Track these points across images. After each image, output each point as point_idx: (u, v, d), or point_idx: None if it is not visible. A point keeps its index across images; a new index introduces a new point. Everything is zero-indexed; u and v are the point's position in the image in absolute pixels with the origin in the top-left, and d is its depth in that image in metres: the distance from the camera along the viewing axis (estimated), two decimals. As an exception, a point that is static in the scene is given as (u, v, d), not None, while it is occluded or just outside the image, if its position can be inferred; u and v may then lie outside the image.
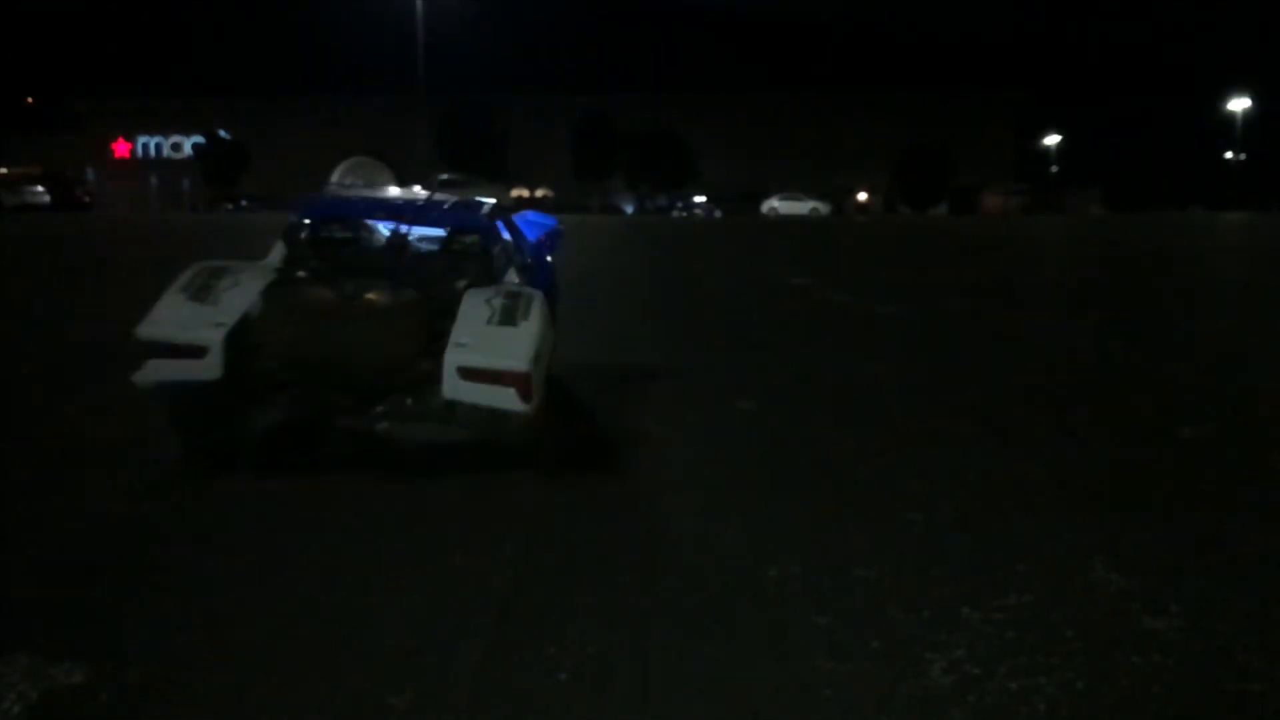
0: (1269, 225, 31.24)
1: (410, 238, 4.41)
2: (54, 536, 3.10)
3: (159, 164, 72.85)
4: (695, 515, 3.37)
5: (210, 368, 3.59)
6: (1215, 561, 2.99)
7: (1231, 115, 61.07)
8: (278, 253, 4.31)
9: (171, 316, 3.68)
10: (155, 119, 73.11)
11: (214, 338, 3.61)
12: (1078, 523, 3.31)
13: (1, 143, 61.85)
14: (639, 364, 6.39)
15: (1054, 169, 70.26)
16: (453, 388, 3.57)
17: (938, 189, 59.29)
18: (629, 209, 60.21)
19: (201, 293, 3.78)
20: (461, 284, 4.03)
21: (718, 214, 54.53)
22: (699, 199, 61.13)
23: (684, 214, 55.04)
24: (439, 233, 4.43)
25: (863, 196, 62.36)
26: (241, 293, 3.80)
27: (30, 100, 78.11)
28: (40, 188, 37.70)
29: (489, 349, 3.57)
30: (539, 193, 62.56)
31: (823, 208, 54.96)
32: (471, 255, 4.30)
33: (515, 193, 52.70)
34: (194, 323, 3.65)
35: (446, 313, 3.77)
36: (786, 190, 57.16)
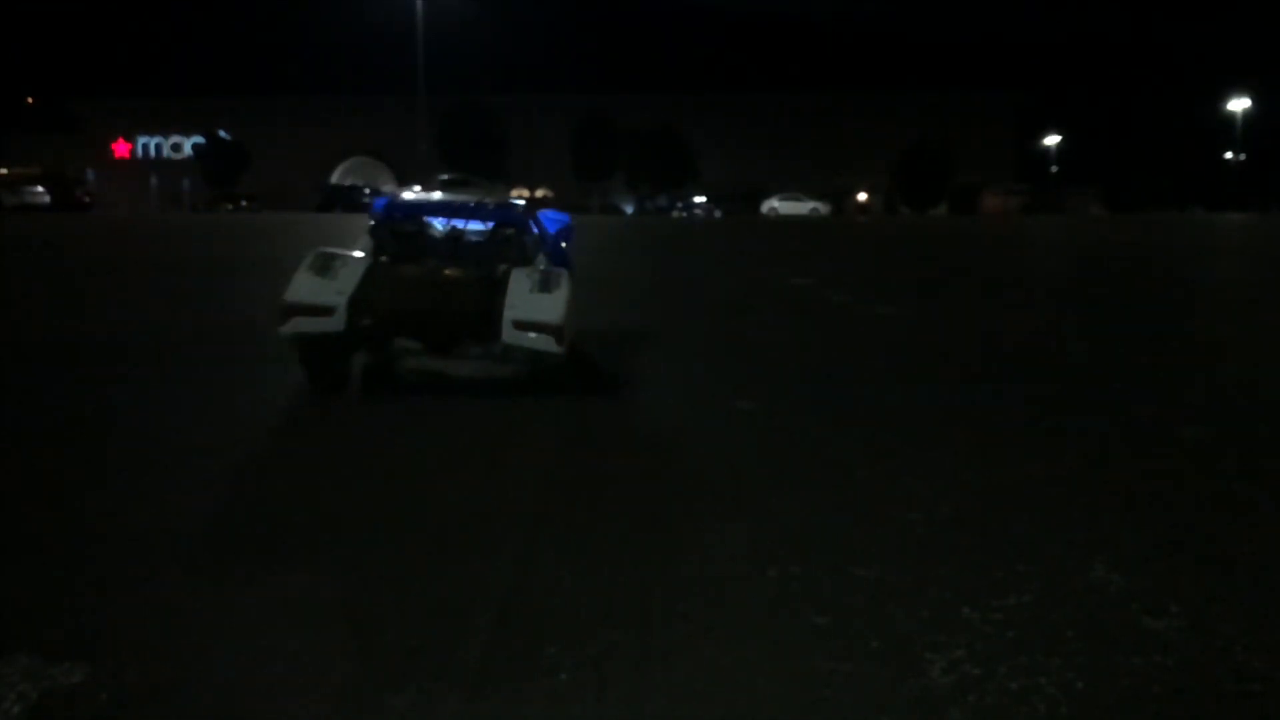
0: (1269, 226, 31.24)
1: (464, 230, 5.77)
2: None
3: (159, 164, 72.85)
4: (695, 515, 3.36)
5: (336, 323, 4.94)
6: (1215, 561, 2.99)
7: (1231, 115, 61.06)
8: (366, 241, 5.64)
9: (306, 287, 4.97)
10: (155, 119, 73.07)
11: (339, 301, 4.94)
12: (1078, 523, 3.32)
13: (1, 143, 61.84)
14: (639, 364, 6.39)
15: (1054, 169, 70.22)
16: (509, 335, 4.93)
17: (938, 189, 59.28)
18: (629, 209, 60.21)
19: (323, 270, 5.06)
20: (503, 266, 5.34)
21: (718, 214, 54.55)
22: (699, 199, 61.11)
23: (684, 214, 55.04)
24: (484, 226, 5.77)
25: (863, 196, 62.35)
26: (352, 270, 5.09)
27: (30, 100, 78.06)
28: (40, 188, 37.65)
29: (534, 308, 4.93)
30: (539, 193, 62.55)
31: (823, 208, 54.97)
32: (511, 243, 5.70)
33: (515, 192, 52.80)
34: (323, 291, 4.95)
35: (496, 284, 5.09)
36: (786, 190, 57.15)
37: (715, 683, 2.23)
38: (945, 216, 51.89)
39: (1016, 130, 71.71)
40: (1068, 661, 2.32)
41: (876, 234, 27.71)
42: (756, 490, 3.67)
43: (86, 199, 42.06)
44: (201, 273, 13.29)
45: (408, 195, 6.94)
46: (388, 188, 53.25)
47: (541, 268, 5.40)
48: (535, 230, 6.05)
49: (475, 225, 5.78)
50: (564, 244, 6.55)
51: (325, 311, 4.93)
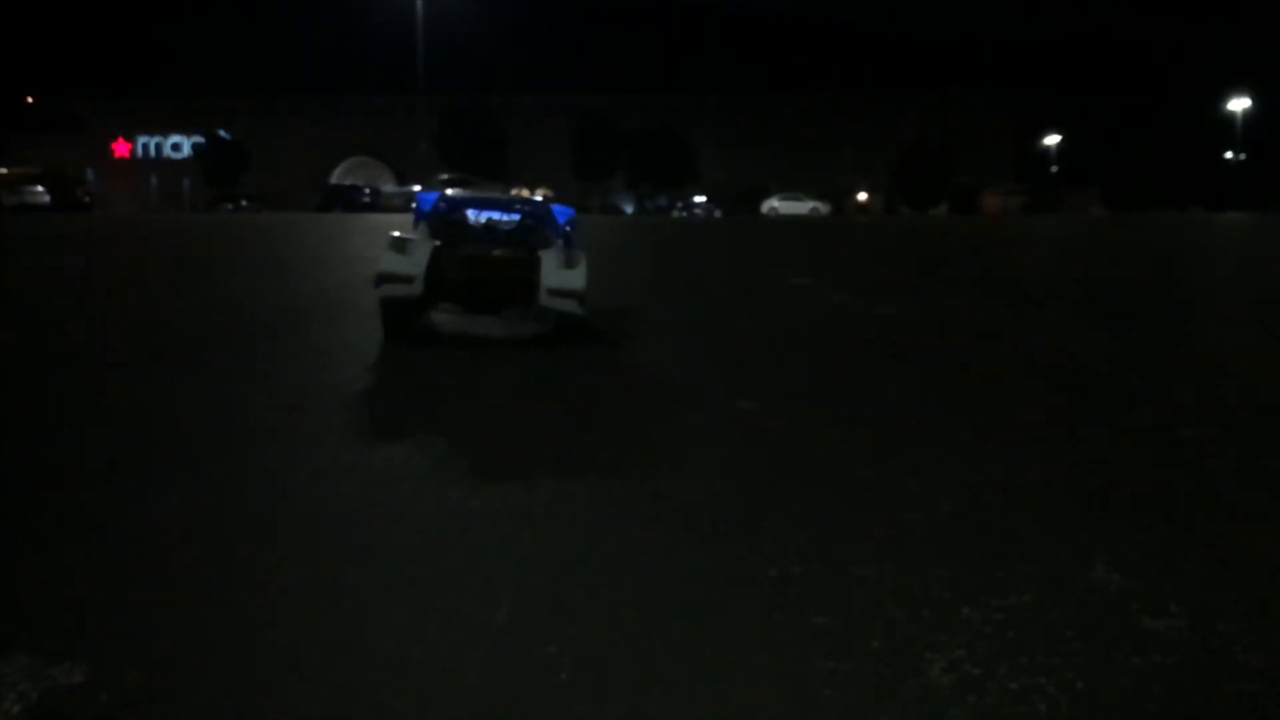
0: (1269, 226, 31.24)
1: (499, 220, 7.00)
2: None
3: (159, 164, 72.86)
4: (695, 516, 3.36)
5: (415, 288, 6.53)
6: (1215, 561, 2.99)
7: (1231, 115, 61.08)
8: (424, 229, 6.91)
9: (393, 262, 6.55)
10: (155, 119, 73.12)
11: (418, 272, 6.51)
12: (1078, 523, 3.32)
13: (1, 143, 61.83)
14: (639, 364, 6.40)
15: (1054, 169, 70.22)
16: (545, 300, 6.56)
17: (938, 189, 59.31)
18: (629, 209, 60.21)
19: (401, 249, 6.58)
20: (533, 248, 6.69)
21: (717, 214, 54.55)
22: (699, 199, 61.09)
23: (684, 214, 55.04)
24: (515, 217, 6.95)
25: (863, 196, 62.34)
26: (423, 250, 6.58)
27: (30, 100, 78.05)
28: (40, 188, 37.61)
29: (563, 279, 6.53)
30: (539, 193, 62.64)
31: (823, 208, 55.00)
32: (535, 230, 6.91)
33: (515, 192, 52.82)
34: (406, 265, 6.53)
35: (531, 262, 6.58)
36: (786, 190, 57.18)
37: (715, 683, 2.23)
38: (945, 216, 51.87)
39: (1016, 130, 71.76)
40: (1068, 661, 2.32)
41: (876, 234, 27.71)
42: (756, 490, 3.67)
43: (87, 199, 42.05)
44: (234, 267, 13.31)
45: (453, 193, 8.95)
46: (388, 188, 53.25)
47: (565, 249, 6.78)
48: (551, 220, 7.43)
49: (508, 217, 7.05)
50: (570, 230, 7.82)
51: (408, 280, 6.52)
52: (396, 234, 6.77)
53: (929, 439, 4.45)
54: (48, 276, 12.18)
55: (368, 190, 50.25)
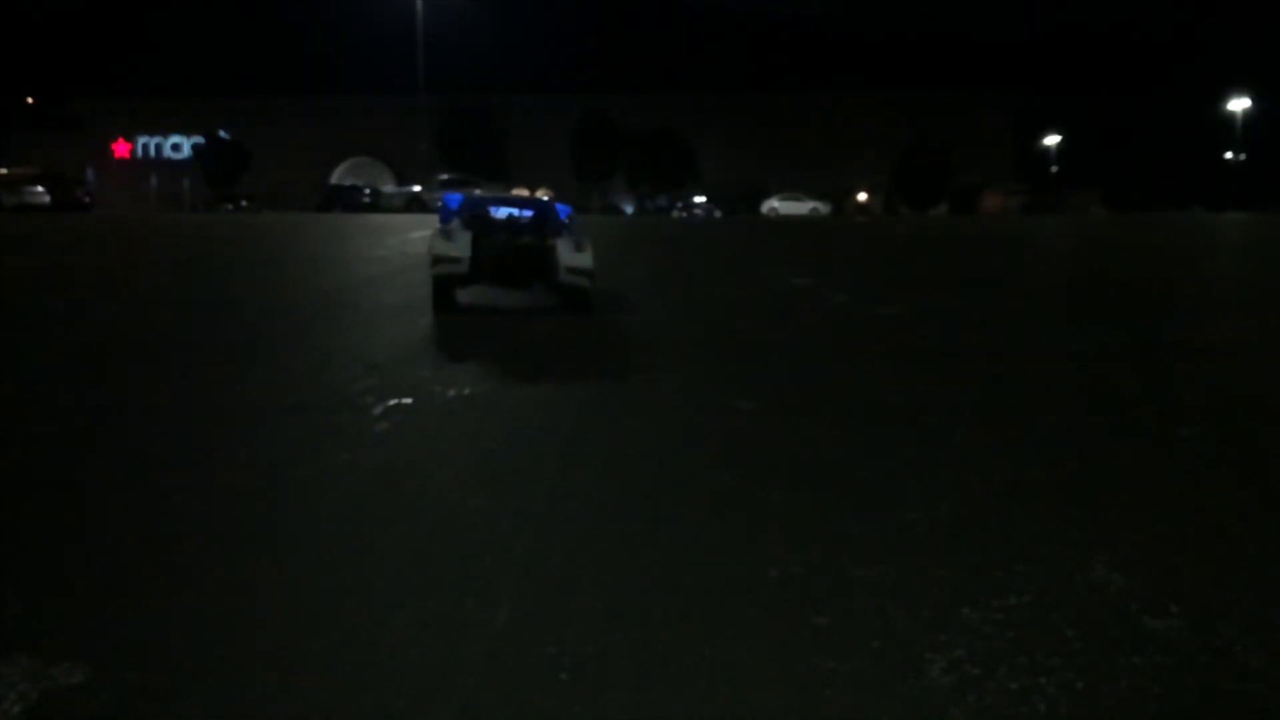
0: (1269, 225, 31.24)
1: (516, 215, 8.77)
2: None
3: (159, 164, 72.82)
4: (695, 516, 3.36)
5: (462, 268, 7.92)
6: (1215, 561, 2.99)
7: (1231, 115, 61.08)
8: (457, 223, 8.32)
9: (445, 246, 7.93)
10: (155, 119, 73.09)
11: (465, 255, 7.88)
12: (1078, 523, 3.31)
13: (1, 143, 61.84)
14: (638, 364, 6.39)
15: (1054, 169, 70.19)
16: (564, 277, 7.99)
17: (938, 189, 59.27)
18: (629, 209, 60.21)
19: (448, 238, 7.97)
20: (543, 238, 8.16)
21: (717, 214, 54.56)
22: (699, 199, 61.09)
23: (684, 214, 55.04)
24: (529, 213, 8.74)
25: (863, 196, 62.28)
26: (464, 238, 7.95)
27: (30, 100, 78.04)
28: (40, 188, 37.53)
29: (577, 260, 7.99)
30: (540, 192, 62.64)
31: (823, 208, 54.97)
32: (548, 223, 8.51)
33: (515, 191, 52.89)
34: (454, 249, 7.90)
35: (548, 248, 8.02)
36: (786, 190, 57.13)
37: (715, 683, 2.23)
38: (945, 216, 51.87)
39: (1016, 130, 71.71)
40: (1068, 661, 2.32)
41: (876, 234, 27.71)
42: (756, 489, 3.67)
43: (87, 199, 41.99)
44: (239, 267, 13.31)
45: (478, 193, 11.65)
46: (388, 188, 53.19)
47: (573, 237, 8.20)
48: (556, 216, 8.93)
49: (523, 212, 8.79)
50: (570, 224, 9.15)
51: (457, 261, 7.88)
52: (443, 226, 8.32)
53: (929, 439, 4.45)
54: (47, 276, 12.18)
55: (368, 191, 50.20)
